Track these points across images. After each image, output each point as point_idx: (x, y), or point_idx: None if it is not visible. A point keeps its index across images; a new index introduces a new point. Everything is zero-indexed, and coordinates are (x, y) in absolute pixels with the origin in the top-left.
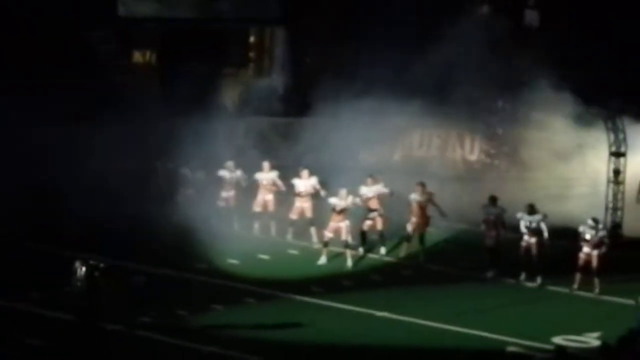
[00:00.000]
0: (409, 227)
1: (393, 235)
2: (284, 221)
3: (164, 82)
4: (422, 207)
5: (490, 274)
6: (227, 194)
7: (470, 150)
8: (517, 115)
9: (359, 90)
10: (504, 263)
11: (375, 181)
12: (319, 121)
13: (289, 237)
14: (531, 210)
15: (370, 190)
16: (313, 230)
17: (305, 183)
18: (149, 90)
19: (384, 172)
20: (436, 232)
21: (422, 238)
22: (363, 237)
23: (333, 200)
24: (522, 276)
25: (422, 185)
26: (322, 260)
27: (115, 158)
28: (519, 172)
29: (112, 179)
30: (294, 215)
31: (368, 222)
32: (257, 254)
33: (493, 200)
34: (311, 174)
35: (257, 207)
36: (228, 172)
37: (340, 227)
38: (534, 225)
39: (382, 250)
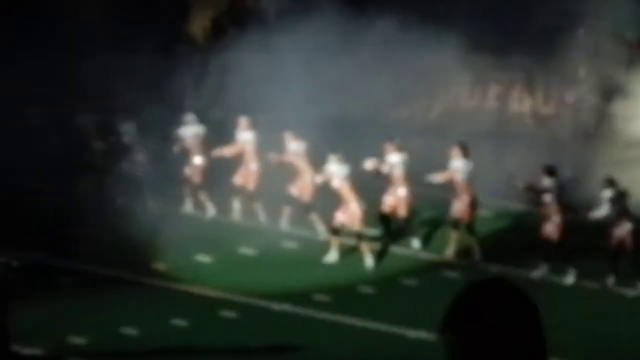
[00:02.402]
0: (454, 210)
1: (429, 222)
2: (278, 200)
3: (109, 5)
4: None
5: (537, 274)
6: (194, 161)
7: (544, 100)
8: (605, 51)
9: (382, 17)
10: (583, 260)
11: (398, 149)
12: (327, 59)
13: (284, 222)
14: (609, 185)
15: (392, 160)
16: (315, 216)
17: (294, 147)
18: (89, 17)
19: (418, 132)
20: (491, 216)
21: (471, 226)
22: (385, 223)
23: (332, 169)
24: (611, 280)
25: (464, 147)
26: (332, 256)
27: (34, 107)
28: (612, 131)
29: (30, 138)
30: (294, 191)
31: (389, 203)
32: (238, 247)
33: (550, 171)
34: (299, 136)
35: (237, 179)
36: (189, 129)
37: (354, 209)
38: (614, 206)
39: (416, 243)
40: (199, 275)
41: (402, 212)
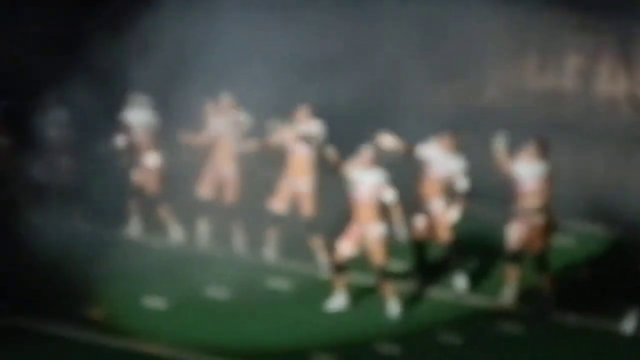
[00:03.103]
0: (516, 235)
1: (479, 251)
2: (260, 219)
3: None
4: (539, 193)
5: (629, 326)
6: (147, 161)
7: None
8: None
9: None
10: None
11: (450, 142)
12: (321, 12)
13: (269, 252)
14: None
15: (442, 161)
16: (318, 241)
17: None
18: None
19: (464, 123)
20: (570, 245)
21: (542, 259)
22: (419, 253)
23: (353, 174)
24: None
25: (541, 144)
26: (338, 300)
27: None
28: None
29: None
30: (279, 205)
31: (422, 224)
32: (206, 287)
33: None
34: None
35: (204, 190)
36: (137, 115)
37: (370, 232)
38: None
39: (461, 282)
40: (150, 325)
41: (443, 234)
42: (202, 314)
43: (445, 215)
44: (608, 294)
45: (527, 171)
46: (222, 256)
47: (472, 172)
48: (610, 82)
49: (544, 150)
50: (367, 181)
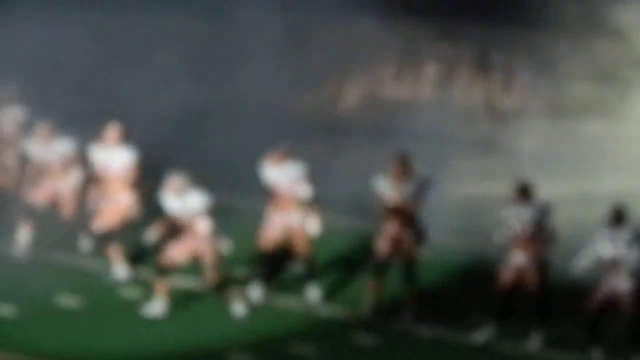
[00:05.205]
0: (382, 246)
1: (335, 263)
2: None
3: None
4: (404, 205)
5: (482, 336)
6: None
7: (505, 86)
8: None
9: None
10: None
11: (283, 158)
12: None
13: (120, 268)
14: (523, 194)
15: (276, 174)
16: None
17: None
18: None
19: (322, 132)
20: (433, 258)
21: (409, 271)
22: (263, 264)
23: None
24: (596, 355)
25: (403, 161)
26: (156, 306)
27: None
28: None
29: None
30: (104, 221)
31: (270, 236)
32: (56, 295)
33: (524, 192)
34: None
35: (39, 197)
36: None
37: (197, 243)
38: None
39: (313, 293)
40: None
41: (299, 247)
42: (53, 323)
43: (304, 229)
44: (464, 307)
45: (390, 190)
46: (72, 263)
47: (330, 182)
48: (468, 92)
49: (407, 169)
50: (190, 206)
